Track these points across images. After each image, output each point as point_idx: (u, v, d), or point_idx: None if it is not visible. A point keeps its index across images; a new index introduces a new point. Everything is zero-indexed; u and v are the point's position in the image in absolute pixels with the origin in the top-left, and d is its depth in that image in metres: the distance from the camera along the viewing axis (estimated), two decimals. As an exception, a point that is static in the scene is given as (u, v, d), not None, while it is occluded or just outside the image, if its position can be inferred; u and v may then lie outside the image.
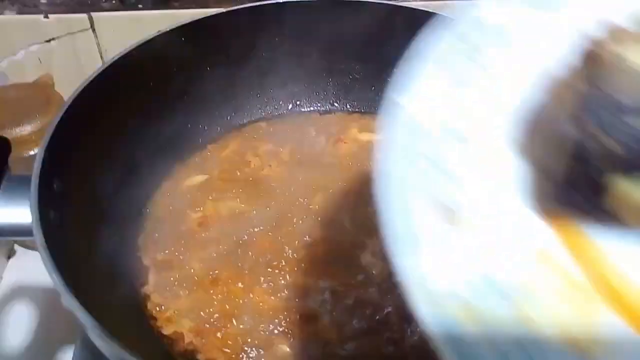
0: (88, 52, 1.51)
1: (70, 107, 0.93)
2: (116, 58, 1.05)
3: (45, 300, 1.25)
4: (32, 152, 1.34)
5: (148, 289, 0.97)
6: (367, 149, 1.21)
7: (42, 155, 0.85)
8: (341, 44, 1.24)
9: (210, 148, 1.24)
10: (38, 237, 0.75)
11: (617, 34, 0.46)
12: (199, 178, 1.17)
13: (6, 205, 0.82)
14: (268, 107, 1.38)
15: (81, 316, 0.67)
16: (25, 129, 1.33)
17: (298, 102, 1.39)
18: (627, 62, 0.42)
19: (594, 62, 0.45)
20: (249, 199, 1.03)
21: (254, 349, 0.81)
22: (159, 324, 0.91)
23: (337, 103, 1.39)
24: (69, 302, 0.69)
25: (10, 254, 1.36)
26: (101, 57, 1.52)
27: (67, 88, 1.03)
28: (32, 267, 1.26)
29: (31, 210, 0.77)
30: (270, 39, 1.27)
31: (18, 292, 1.28)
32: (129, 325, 0.86)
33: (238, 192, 1.06)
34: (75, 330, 1.09)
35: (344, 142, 1.24)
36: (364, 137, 1.27)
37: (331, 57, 1.29)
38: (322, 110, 1.38)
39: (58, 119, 0.90)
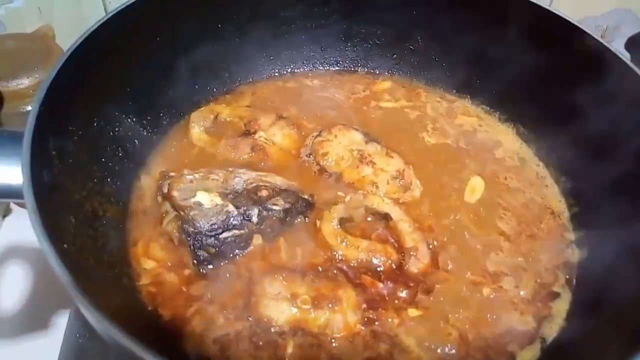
0: (91, 2, 1.32)
1: (68, 59, 0.78)
2: (120, 8, 0.89)
3: (41, 262, 1.10)
4: (29, 107, 1.17)
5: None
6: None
7: (36, 110, 0.71)
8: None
9: (216, 108, 1.08)
10: (29, 200, 0.62)
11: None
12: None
13: (-5, 164, 0.65)
14: (282, 70, 1.21)
15: (74, 293, 0.58)
16: (23, 82, 1.16)
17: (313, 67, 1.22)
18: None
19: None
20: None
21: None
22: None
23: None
24: (59, 272, 0.58)
25: (6, 213, 1.20)
26: (105, 9, 1.34)
27: (68, 40, 0.88)
28: (28, 227, 1.12)
29: (22, 171, 0.65)
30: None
31: (13, 253, 1.14)
32: (120, 300, 0.77)
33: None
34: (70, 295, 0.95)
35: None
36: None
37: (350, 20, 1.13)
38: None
39: (55, 71, 0.75)
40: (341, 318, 0.75)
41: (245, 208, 0.83)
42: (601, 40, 0.88)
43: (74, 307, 0.92)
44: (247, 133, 1.00)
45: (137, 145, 0.95)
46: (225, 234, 0.81)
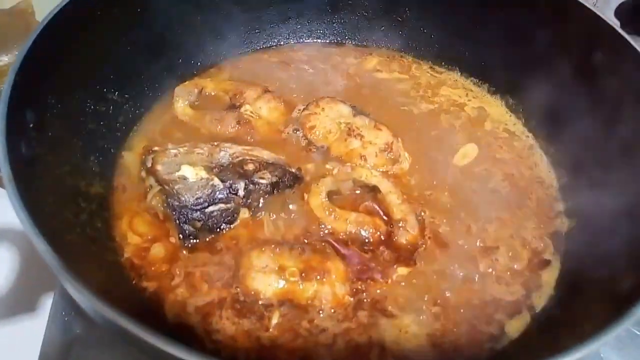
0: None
1: (45, 28, 0.76)
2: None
3: (26, 245, 1.08)
4: (9, 85, 1.15)
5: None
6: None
7: (12, 79, 0.69)
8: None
9: (201, 82, 1.06)
10: (4, 170, 0.61)
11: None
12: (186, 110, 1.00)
13: (-31, 136, 0.64)
14: (267, 43, 1.17)
15: (52, 263, 0.56)
16: (2, 60, 1.13)
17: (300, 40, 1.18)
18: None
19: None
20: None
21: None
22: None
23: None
24: (39, 246, 0.57)
25: (-12, 195, 1.17)
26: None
27: (48, 16, 0.86)
28: (12, 209, 1.10)
29: (-3, 142, 0.60)
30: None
31: (-1, 235, 1.10)
32: (108, 274, 0.78)
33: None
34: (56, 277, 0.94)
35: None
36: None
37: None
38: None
39: (32, 39, 0.74)
40: (330, 290, 0.75)
41: (231, 182, 0.81)
42: (592, 8, 0.86)
43: (59, 285, 0.90)
44: (233, 107, 0.98)
45: (120, 119, 0.93)
46: (211, 208, 0.80)
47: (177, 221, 0.78)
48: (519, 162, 0.97)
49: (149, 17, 0.95)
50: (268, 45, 1.15)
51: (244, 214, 0.83)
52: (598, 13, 0.87)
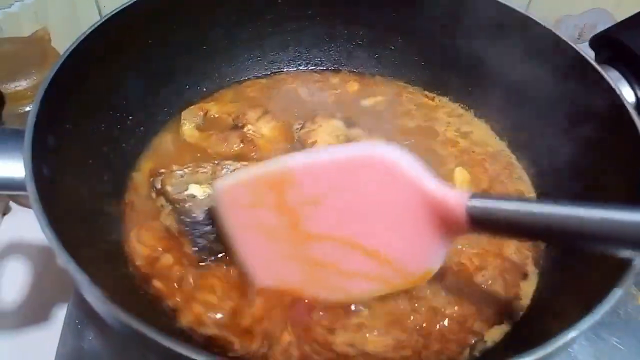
0: (85, 7, 1.38)
1: (66, 60, 0.84)
2: (113, 13, 0.94)
3: (40, 258, 1.16)
4: (27, 108, 1.23)
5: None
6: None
7: (36, 108, 0.76)
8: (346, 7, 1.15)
9: (205, 106, 1.14)
10: (31, 191, 0.67)
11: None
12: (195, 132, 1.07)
13: (-1, 159, 0.70)
14: (269, 69, 1.26)
15: (74, 273, 0.62)
16: (21, 84, 1.22)
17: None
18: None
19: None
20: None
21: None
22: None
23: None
24: (63, 258, 0.62)
25: (5, 211, 1.25)
26: (99, 11, 1.40)
27: (64, 43, 0.94)
28: (27, 224, 1.19)
29: (24, 165, 0.70)
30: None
31: (13, 249, 1.18)
32: (121, 284, 0.83)
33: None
34: (69, 288, 1.02)
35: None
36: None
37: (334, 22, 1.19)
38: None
39: (54, 72, 0.81)
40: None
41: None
42: (573, 45, 0.94)
43: (73, 296, 0.97)
44: (236, 127, 1.06)
45: (131, 142, 1.01)
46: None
47: (192, 235, 0.86)
48: (503, 180, 1.04)
49: (159, 48, 1.02)
50: (269, 72, 1.23)
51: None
52: (578, 49, 0.94)
